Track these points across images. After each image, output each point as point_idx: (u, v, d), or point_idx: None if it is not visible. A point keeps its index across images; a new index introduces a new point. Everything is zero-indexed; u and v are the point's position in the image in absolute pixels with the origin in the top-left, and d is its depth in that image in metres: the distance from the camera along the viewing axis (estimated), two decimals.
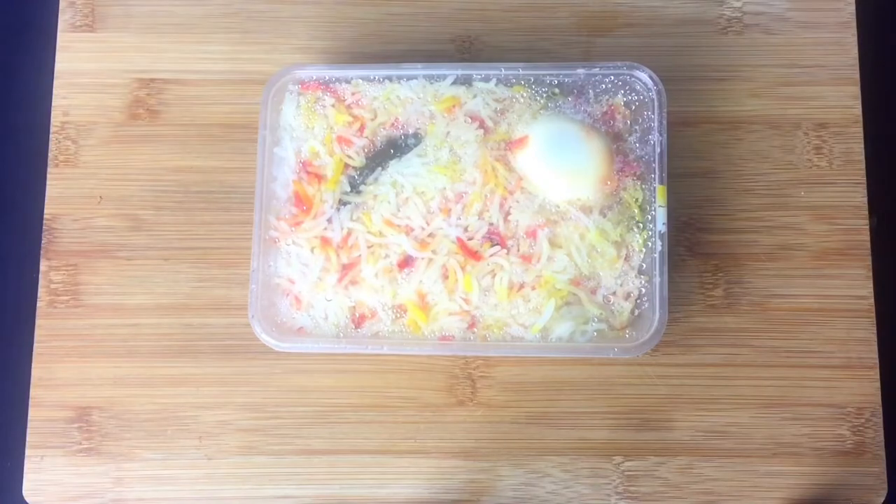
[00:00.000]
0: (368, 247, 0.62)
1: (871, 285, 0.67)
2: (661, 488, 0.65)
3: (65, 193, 0.68)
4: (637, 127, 0.64)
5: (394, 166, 0.63)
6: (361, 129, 0.64)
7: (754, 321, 0.66)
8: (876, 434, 0.65)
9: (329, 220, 0.63)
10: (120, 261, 0.67)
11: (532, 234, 0.62)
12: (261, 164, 0.63)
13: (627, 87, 0.64)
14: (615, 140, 0.64)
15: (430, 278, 0.62)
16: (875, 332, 0.66)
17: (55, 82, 0.69)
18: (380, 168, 0.63)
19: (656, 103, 0.63)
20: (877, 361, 0.66)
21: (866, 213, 0.68)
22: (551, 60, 0.69)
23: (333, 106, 0.64)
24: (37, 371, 0.66)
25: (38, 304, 0.67)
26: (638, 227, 0.63)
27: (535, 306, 0.61)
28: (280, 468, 0.65)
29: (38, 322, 0.66)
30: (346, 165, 0.64)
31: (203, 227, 0.68)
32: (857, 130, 0.69)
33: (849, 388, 0.66)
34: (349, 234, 0.62)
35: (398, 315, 0.62)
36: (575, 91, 0.64)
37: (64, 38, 0.70)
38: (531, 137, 0.62)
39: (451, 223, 0.62)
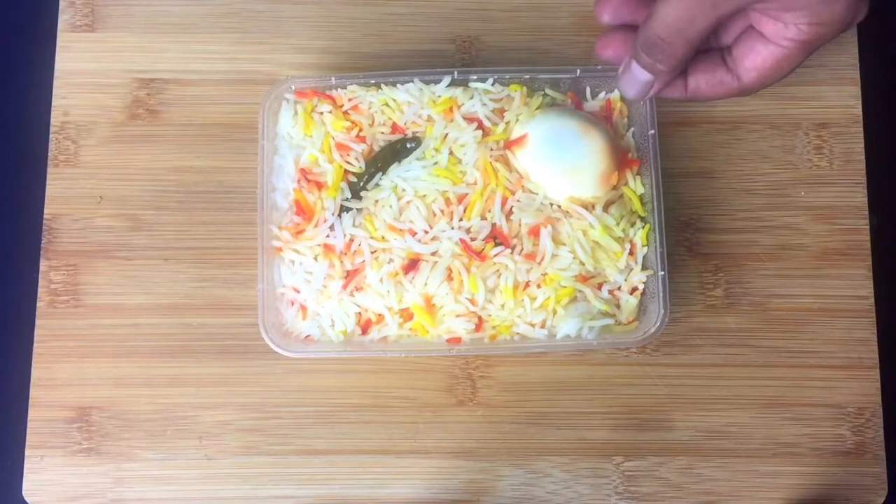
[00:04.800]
0: (372, 252, 0.62)
1: (871, 285, 0.67)
2: (661, 488, 0.65)
3: (65, 193, 0.68)
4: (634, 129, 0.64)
5: (394, 171, 0.63)
6: (360, 134, 0.64)
7: (754, 321, 0.66)
8: (876, 434, 0.65)
9: (331, 228, 0.62)
10: (120, 261, 0.67)
11: (535, 233, 0.62)
12: (261, 174, 0.63)
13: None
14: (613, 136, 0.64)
15: (436, 280, 0.61)
16: (875, 332, 0.66)
17: (55, 82, 0.69)
18: (380, 173, 0.63)
19: (647, 108, 0.63)
20: (877, 361, 0.66)
21: (866, 213, 0.68)
22: (551, 60, 0.69)
23: (331, 112, 0.64)
24: (37, 371, 0.66)
25: (38, 304, 0.67)
26: (640, 221, 0.63)
27: (541, 304, 0.61)
28: (280, 468, 0.65)
29: (38, 322, 0.66)
30: (346, 171, 0.63)
31: (203, 227, 0.68)
32: (857, 130, 0.69)
33: (849, 388, 0.66)
34: (352, 240, 0.62)
35: (405, 319, 0.62)
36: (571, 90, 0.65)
37: (64, 38, 0.70)
38: (530, 136, 0.62)
39: (453, 225, 0.62)
